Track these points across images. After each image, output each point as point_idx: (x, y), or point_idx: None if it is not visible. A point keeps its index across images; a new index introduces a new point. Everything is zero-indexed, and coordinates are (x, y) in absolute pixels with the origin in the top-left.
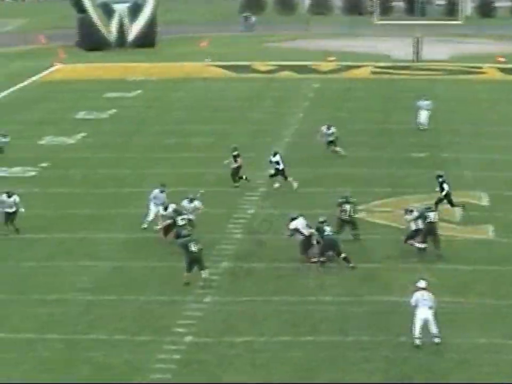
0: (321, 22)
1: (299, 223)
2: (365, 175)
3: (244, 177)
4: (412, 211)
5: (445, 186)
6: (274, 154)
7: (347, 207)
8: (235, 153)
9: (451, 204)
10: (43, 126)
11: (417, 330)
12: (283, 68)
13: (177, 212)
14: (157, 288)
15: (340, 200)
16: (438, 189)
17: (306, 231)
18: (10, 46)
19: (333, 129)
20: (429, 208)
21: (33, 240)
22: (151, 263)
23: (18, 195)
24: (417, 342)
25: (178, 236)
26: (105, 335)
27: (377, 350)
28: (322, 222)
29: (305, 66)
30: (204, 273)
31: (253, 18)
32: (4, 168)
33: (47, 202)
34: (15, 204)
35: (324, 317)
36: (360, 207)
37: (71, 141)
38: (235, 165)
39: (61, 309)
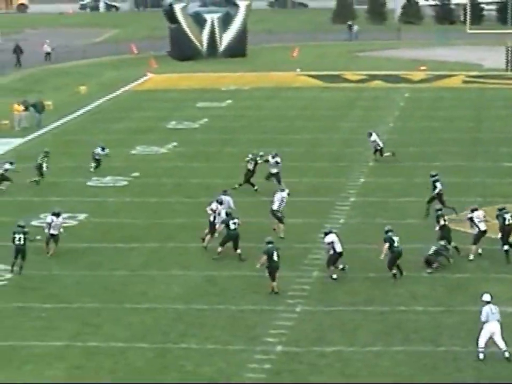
0: (412, 31)
1: (333, 237)
2: (456, 184)
3: (239, 185)
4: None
5: (438, 185)
6: (274, 156)
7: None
8: (258, 158)
9: (443, 203)
10: (135, 135)
11: (482, 343)
12: (373, 77)
13: (231, 216)
14: (248, 297)
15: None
16: (432, 187)
17: (338, 247)
18: (103, 55)
19: (373, 137)
20: (504, 209)
21: (125, 249)
22: (242, 272)
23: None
24: (481, 355)
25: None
26: (197, 344)
27: (468, 360)
28: (387, 232)
29: (396, 75)
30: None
31: (356, 27)
32: (95, 178)
33: (139, 211)
34: (62, 225)
35: (416, 327)
36: (452, 217)
37: (162, 150)
38: (251, 168)
39: (152, 318)
